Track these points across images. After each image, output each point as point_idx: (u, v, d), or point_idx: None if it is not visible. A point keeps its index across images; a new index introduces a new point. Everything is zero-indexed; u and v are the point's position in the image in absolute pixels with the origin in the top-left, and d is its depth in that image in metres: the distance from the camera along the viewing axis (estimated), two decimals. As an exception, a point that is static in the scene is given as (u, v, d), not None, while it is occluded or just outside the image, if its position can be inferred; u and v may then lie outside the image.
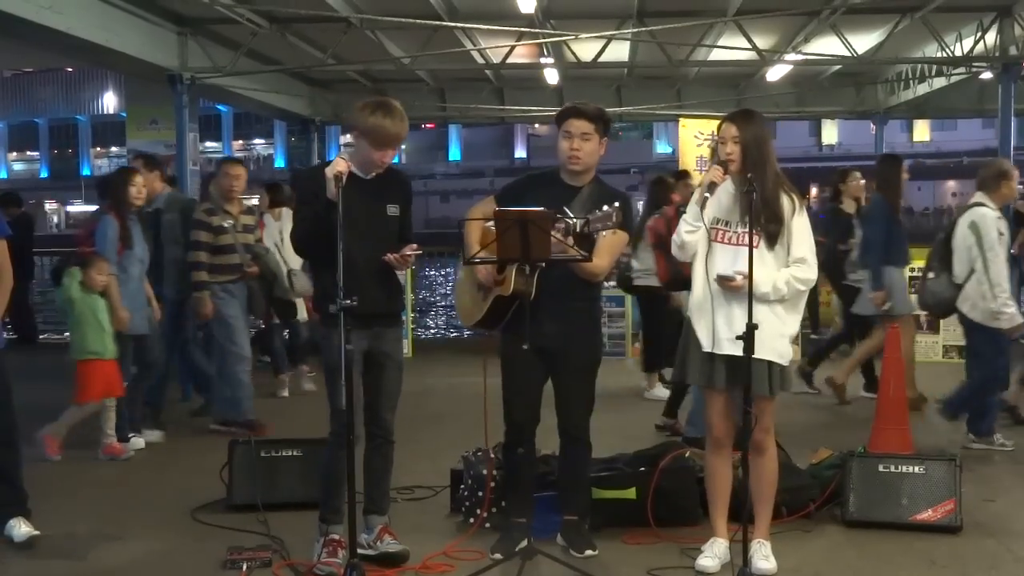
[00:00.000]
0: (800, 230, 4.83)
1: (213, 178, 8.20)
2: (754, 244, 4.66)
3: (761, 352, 4.65)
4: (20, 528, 5.46)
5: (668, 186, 8.99)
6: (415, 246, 4.95)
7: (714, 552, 4.97)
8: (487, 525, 5.58)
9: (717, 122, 5.12)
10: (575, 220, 4.84)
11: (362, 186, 4.92)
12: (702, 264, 4.89)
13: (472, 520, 5.69)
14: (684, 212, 4.98)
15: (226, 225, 7.93)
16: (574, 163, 5.11)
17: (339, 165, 4.75)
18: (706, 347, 4.84)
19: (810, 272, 4.84)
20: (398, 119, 4.89)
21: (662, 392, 9.00)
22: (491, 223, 5.00)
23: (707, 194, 4.76)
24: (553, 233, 4.69)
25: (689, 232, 4.79)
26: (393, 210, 5.07)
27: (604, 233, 4.82)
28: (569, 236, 4.77)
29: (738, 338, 4.56)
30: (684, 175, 9.74)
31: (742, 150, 4.79)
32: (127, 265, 7.47)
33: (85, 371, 7.17)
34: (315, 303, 5.33)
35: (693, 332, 4.90)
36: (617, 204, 4.78)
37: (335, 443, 5.02)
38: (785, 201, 4.80)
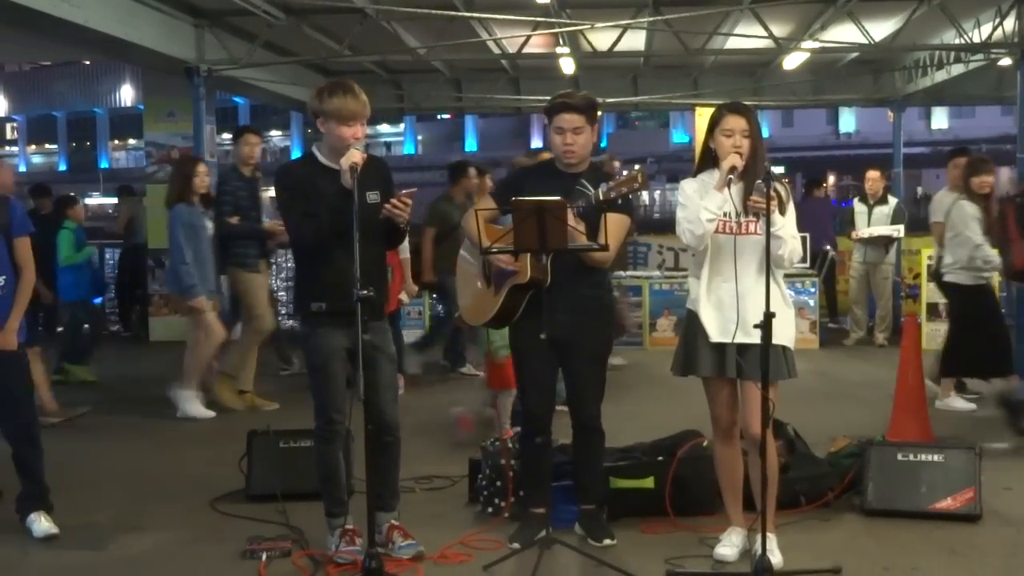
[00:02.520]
0: (791, 214, 4.90)
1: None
2: (758, 232, 4.72)
3: (776, 338, 4.68)
4: (41, 523, 5.49)
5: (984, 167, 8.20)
6: (411, 191, 4.92)
7: (732, 542, 4.98)
8: (505, 515, 5.60)
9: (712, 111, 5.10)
10: (596, 191, 4.86)
11: (337, 177, 4.82)
12: (707, 255, 4.89)
13: (491, 510, 5.71)
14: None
15: None
16: (569, 157, 5.13)
17: (354, 156, 4.74)
18: (716, 338, 4.83)
19: (800, 251, 4.96)
20: (358, 93, 4.90)
21: (959, 404, 8.32)
22: (492, 218, 5.08)
23: (731, 176, 4.72)
24: (571, 211, 4.71)
25: (711, 221, 4.76)
26: (373, 197, 4.90)
27: (631, 197, 4.87)
28: (590, 210, 4.82)
29: (755, 326, 4.56)
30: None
31: (751, 143, 4.81)
32: None
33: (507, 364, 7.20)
34: (295, 301, 5.22)
35: (699, 324, 4.89)
36: (638, 167, 4.85)
37: (321, 439, 5.06)
38: (780, 189, 4.83)
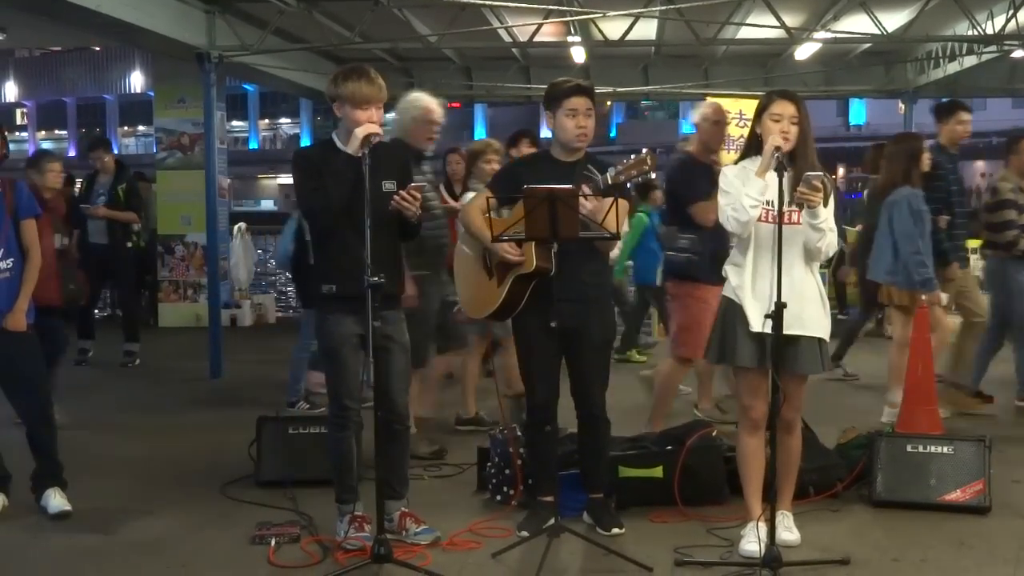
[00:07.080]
0: (832, 207, 4.85)
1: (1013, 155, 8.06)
2: (797, 221, 4.72)
3: (813, 330, 4.78)
4: (55, 499, 5.59)
5: None
6: (419, 185, 4.87)
7: (758, 536, 4.89)
8: (514, 503, 5.61)
9: (746, 101, 5.09)
10: (605, 175, 4.85)
11: (354, 163, 4.74)
12: (750, 244, 4.85)
13: (499, 498, 5.72)
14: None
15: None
16: (582, 140, 5.12)
17: (371, 127, 4.71)
18: (758, 327, 4.78)
19: (836, 245, 4.91)
20: (374, 78, 4.88)
21: None
22: (487, 209, 4.97)
23: (777, 156, 4.60)
24: (583, 202, 4.70)
25: (754, 207, 4.72)
26: (389, 186, 4.87)
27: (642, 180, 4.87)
28: (599, 194, 4.80)
29: (767, 316, 4.58)
30: None
31: (800, 130, 4.78)
32: None
33: None
34: (310, 283, 5.23)
35: (740, 312, 4.84)
36: (645, 151, 4.84)
37: (335, 426, 5.05)
38: (826, 180, 4.78)
